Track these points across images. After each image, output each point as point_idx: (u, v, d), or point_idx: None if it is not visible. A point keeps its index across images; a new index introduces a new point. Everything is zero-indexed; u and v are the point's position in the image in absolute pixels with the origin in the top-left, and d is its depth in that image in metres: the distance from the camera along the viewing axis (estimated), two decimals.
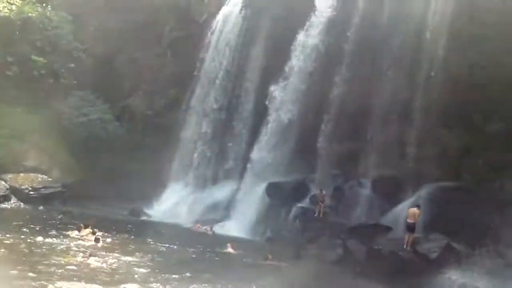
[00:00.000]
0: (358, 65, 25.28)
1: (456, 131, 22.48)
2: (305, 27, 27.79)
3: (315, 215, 22.83)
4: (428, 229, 19.11)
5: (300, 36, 27.79)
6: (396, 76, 24.15)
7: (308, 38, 27.79)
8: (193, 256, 16.78)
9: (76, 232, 16.78)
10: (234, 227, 24.32)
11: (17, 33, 28.59)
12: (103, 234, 16.81)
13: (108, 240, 16.84)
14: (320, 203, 22.79)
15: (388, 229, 20.11)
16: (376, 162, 24.25)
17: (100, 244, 15.50)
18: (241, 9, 31.42)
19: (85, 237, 16.34)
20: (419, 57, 23.35)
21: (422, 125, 22.91)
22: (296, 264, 18.64)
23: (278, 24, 29.12)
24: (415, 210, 18.30)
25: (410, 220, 18.15)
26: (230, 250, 18.72)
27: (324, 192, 23.12)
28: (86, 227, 16.87)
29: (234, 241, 20.92)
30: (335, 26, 26.89)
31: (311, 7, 27.65)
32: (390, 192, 22.43)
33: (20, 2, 29.02)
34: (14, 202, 21.49)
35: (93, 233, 16.54)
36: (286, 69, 27.87)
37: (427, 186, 21.60)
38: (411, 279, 16.64)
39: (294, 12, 28.34)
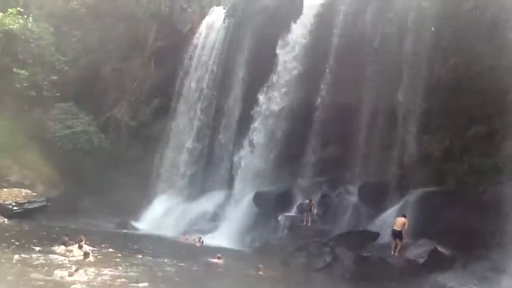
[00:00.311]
0: (341, 71, 25.45)
1: (438, 135, 22.55)
2: (288, 34, 28.00)
3: (303, 224, 22.84)
4: (415, 234, 19.19)
5: (283, 44, 27.96)
6: (379, 80, 24.33)
7: (290, 46, 28.00)
8: (182, 268, 16.57)
9: (62, 247, 16.47)
10: (223, 237, 24.15)
11: None
12: (90, 249, 16.53)
13: (95, 254, 16.59)
14: (308, 212, 22.81)
15: (376, 235, 20.18)
16: (362, 168, 24.42)
17: (88, 259, 15.23)
18: (224, 19, 31.51)
19: (73, 252, 16.07)
20: (400, 59, 23.58)
21: (405, 130, 23.09)
22: (285, 272, 18.65)
23: (261, 33, 29.28)
24: (403, 219, 18.37)
25: (397, 228, 18.21)
26: (216, 260, 18.62)
27: (312, 201, 23.15)
28: (75, 241, 16.59)
29: (223, 251, 20.80)
30: (318, 33, 27.08)
31: (294, 15, 27.88)
32: (377, 198, 22.42)
33: (1, 14, 28.69)
34: None
35: (80, 247, 16.29)
36: (271, 77, 28.02)
37: (413, 192, 21.76)
38: (400, 285, 16.84)
39: (276, 20, 28.52)
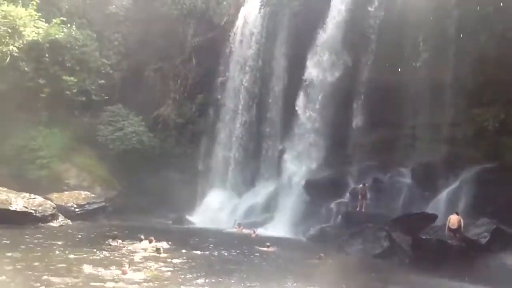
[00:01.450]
0: (384, 50, 24.96)
1: (492, 108, 21.68)
2: (327, 18, 27.61)
3: (357, 209, 22.74)
4: (474, 214, 18.81)
5: (322, 28, 27.61)
6: (424, 56, 23.73)
7: (330, 29, 27.60)
8: (241, 258, 17.07)
9: (141, 243, 17.37)
10: (276, 227, 24.47)
11: (46, 55, 29.20)
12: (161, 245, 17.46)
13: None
14: (361, 197, 22.66)
15: (433, 217, 19.77)
16: (412, 149, 24.03)
17: (161, 255, 16.03)
18: (260, 8, 31.46)
19: (147, 248, 17.04)
20: (448, 33, 22.82)
21: (455, 106, 22.46)
22: (344, 259, 18.70)
23: (298, 18, 29.02)
24: (457, 217, 17.75)
25: (453, 227, 17.66)
26: (266, 249, 19.03)
27: (366, 185, 22.95)
28: (148, 240, 17.60)
29: (278, 241, 21.16)
30: (356, 12, 26.53)
31: None
32: (430, 179, 22.00)
33: (46, 25, 29.71)
34: (61, 220, 21.97)
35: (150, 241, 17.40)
36: (311, 63, 27.80)
37: (468, 170, 21.22)
38: (462, 267, 16.41)
39: (313, 5, 28.18)
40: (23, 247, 15.66)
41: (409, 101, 24.07)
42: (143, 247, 17.03)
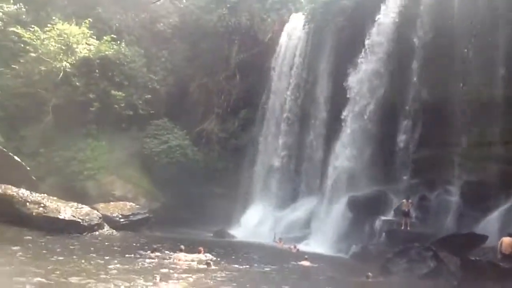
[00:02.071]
0: (431, 67, 24.48)
1: None
2: (371, 32, 27.34)
3: (402, 228, 22.08)
4: None
5: (367, 43, 27.37)
6: (473, 71, 23.07)
7: (375, 44, 27.31)
8: (283, 274, 16.90)
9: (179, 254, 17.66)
10: (318, 243, 24.07)
11: (97, 71, 30.37)
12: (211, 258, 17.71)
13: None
14: (406, 214, 21.99)
15: (483, 238, 18.89)
16: (461, 168, 23.23)
17: (211, 267, 16.26)
18: (304, 25, 31.62)
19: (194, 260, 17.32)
20: (497, 45, 22.08)
21: (507, 123, 21.59)
22: (387, 279, 18.11)
23: (342, 34, 28.95)
24: (510, 240, 16.66)
25: (506, 252, 16.57)
26: (304, 262, 18.89)
27: (410, 201, 22.31)
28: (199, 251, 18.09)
29: (319, 258, 20.87)
30: (403, 29, 26.21)
31: (375, 12, 27.18)
32: (480, 198, 21.13)
33: (97, 42, 30.98)
34: (107, 230, 22.55)
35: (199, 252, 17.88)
36: (355, 78, 27.50)
37: None
38: None
39: (357, 20, 28.04)
40: (65, 253, 16.22)
41: (458, 118, 23.40)
42: (190, 258, 17.21)
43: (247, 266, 17.32)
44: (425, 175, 24.36)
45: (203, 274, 14.97)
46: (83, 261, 15.10)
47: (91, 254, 16.47)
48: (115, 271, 14.04)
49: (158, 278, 12.84)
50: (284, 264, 18.61)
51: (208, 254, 18.15)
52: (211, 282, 14.07)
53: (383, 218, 23.39)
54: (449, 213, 21.92)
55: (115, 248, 18.74)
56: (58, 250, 16.83)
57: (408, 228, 21.86)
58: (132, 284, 12.59)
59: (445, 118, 23.48)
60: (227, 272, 15.88)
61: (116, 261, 15.58)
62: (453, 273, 18.05)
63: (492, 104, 22.10)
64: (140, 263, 15.75)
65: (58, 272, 13.03)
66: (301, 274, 17.70)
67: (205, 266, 16.15)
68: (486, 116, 22.34)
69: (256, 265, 17.89)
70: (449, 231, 20.84)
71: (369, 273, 16.92)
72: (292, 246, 22.69)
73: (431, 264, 18.47)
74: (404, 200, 22.43)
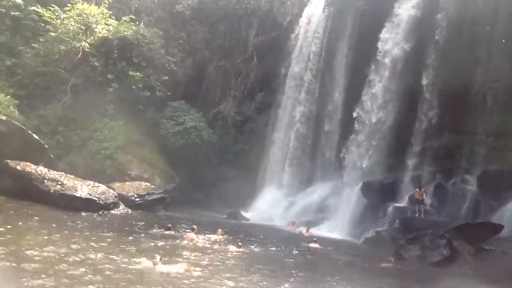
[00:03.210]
0: (452, 51, 24.01)
1: None
2: (392, 18, 26.87)
3: (416, 215, 21.91)
4: None
5: (387, 27, 26.90)
6: (493, 59, 22.54)
7: (395, 28, 26.86)
8: (294, 256, 17.06)
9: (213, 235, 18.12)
10: (331, 228, 24.09)
11: (115, 51, 30.41)
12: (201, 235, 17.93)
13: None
14: (419, 202, 21.79)
15: (499, 227, 18.63)
16: (479, 156, 22.89)
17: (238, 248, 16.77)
18: (324, 8, 31.21)
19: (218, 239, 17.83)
20: None
21: None
22: (399, 265, 18.04)
23: (363, 19, 28.53)
24: None
25: None
26: (313, 244, 19.32)
27: (423, 189, 22.08)
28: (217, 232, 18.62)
29: (333, 242, 20.95)
30: (424, 11, 25.70)
31: None
32: (497, 187, 20.87)
33: (116, 22, 31.01)
34: (122, 209, 22.83)
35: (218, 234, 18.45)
36: (374, 64, 27.17)
37: None
38: None
39: (378, 5, 27.56)
40: (80, 229, 16.61)
41: (478, 106, 22.99)
42: (202, 238, 17.49)
43: (254, 247, 17.49)
44: (442, 163, 24.12)
45: (210, 254, 15.17)
46: (88, 238, 15.33)
47: (99, 232, 16.68)
48: (120, 249, 14.27)
49: (158, 258, 12.74)
50: (291, 246, 18.77)
51: (224, 236, 18.51)
52: (214, 262, 14.20)
53: (397, 205, 23.23)
54: (465, 202, 21.70)
55: (128, 226, 18.96)
56: (71, 225, 17.20)
57: (422, 216, 21.67)
58: (131, 261, 12.76)
59: (464, 106, 23.09)
60: (233, 253, 16.09)
61: (125, 239, 15.86)
62: (466, 262, 17.91)
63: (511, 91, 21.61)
64: (150, 242, 15.98)
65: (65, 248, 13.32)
66: (307, 255, 17.91)
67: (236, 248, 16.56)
68: (506, 104, 21.86)
69: (263, 246, 18.08)
70: (464, 220, 20.63)
71: (391, 258, 17.04)
72: (304, 230, 22.73)
73: (445, 252, 18.33)
74: (417, 189, 22.24)
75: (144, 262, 12.75)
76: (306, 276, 14.16)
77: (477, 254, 17.67)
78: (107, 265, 12.16)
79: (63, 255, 12.56)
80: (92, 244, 14.49)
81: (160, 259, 12.77)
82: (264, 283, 12.53)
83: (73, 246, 13.77)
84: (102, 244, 14.68)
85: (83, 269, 11.47)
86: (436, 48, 24.86)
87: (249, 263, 14.73)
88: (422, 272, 17.43)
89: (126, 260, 12.91)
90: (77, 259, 12.42)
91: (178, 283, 11.53)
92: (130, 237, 16.51)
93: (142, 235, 17.29)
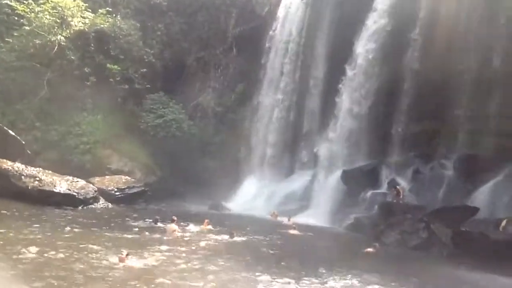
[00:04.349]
0: (432, 39, 24.16)
1: None
2: (372, 6, 26.91)
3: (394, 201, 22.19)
4: None
5: (368, 16, 26.96)
6: (471, 46, 22.77)
7: (376, 17, 26.91)
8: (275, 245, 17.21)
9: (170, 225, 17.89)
10: (312, 216, 24.21)
11: (92, 44, 30.05)
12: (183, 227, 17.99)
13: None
14: (397, 198, 22.00)
15: (475, 210, 19.08)
16: (456, 141, 23.19)
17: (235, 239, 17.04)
18: None
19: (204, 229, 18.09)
20: (497, 14, 21.81)
21: (504, 97, 21.41)
22: (379, 249, 18.30)
23: (342, 7, 28.53)
24: None
25: None
26: (292, 231, 19.75)
27: (398, 187, 22.21)
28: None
29: (314, 230, 21.15)
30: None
31: None
32: (473, 171, 21.25)
33: (92, 15, 30.59)
34: (102, 203, 22.80)
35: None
36: (354, 51, 27.26)
37: None
38: (504, 262, 15.66)
39: None
40: (56, 225, 16.57)
41: (455, 92, 23.23)
42: (183, 230, 17.59)
43: (230, 236, 17.50)
44: (420, 149, 24.43)
45: (185, 245, 15.21)
46: (63, 233, 15.32)
47: (75, 228, 16.56)
48: (94, 244, 14.13)
49: (124, 253, 12.47)
50: (270, 233, 18.95)
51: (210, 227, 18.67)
52: (187, 253, 14.14)
53: (376, 190, 23.50)
54: (442, 186, 22.01)
55: (106, 221, 18.86)
56: (44, 221, 17.06)
57: (401, 202, 21.95)
58: (100, 257, 12.62)
59: (442, 92, 23.30)
60: (209, 242, 16.16)
61: (101, 234, 15.79)
62: (444, 244, 18.27)
63: (489, 78, 21.90)
64: (127, 235, 16.00)
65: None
66: (284, 241, 18.10)
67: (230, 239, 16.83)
68: (483, 90, 22.16)
69: (245, 235, 18.14)
70: (442, 204, 20.98)
71: (376, 244, 17.58)
72: (286, 219, 22.86)
73: (423, 235, 18.76)
74: (393, 188, 22.43)
75: (112, 258, 12.55)
76: (291, 264, 14.20)
77: (454, 236, 18.00)
78: (75, 261, 12.03)
79: (32, 251, 12.48)
80: (65, 239, 14.41)
81: (127, 254, 12.45)
82: (243, 274, 12.47)
83: (45, 242, 13.70)
84: (75, 239, 14.55)
85: (48, 266, 11.38)
86: (416, 36, 24.95)
87: (231, 253, 14.79)
88: (402, 256, 17.76)
89: (96, 255, 12.79)
90: (46, 255, 12.33)
91: (139, 278, 11.21)
92: (107, 232, 16.44)
93: (120, 229, 17.19)
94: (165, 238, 16.40)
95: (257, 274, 12.45)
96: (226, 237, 17.34)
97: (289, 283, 11.99)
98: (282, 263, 14.04)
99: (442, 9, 23.97)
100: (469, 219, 18.59)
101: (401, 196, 21.89)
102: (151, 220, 19.27)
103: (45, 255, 12.41)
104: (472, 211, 19.04)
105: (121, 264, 12.09)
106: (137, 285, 10.65)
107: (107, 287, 10.46)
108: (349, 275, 13.23)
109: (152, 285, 10.76)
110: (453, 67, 23.01)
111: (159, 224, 18.39)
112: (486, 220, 18.26)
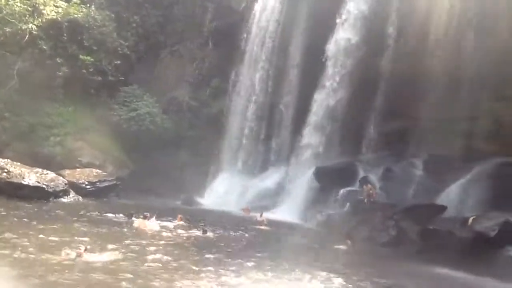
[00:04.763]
0: (404, 40, 24.63)
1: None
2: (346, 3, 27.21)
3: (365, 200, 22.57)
4: (486, 207, 18.55)
5: (344, 10, 27.21)
6: (443, 47, 23.30)
7: (352, 12, 27.22)
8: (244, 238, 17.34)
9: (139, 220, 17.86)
10: (285, 212, 24.46)
11: (65, 34, 29.38)
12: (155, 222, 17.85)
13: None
14: (368, 197, 22.37)
15: (442, 208, 19.62)
16: (427, 142, 23.71)
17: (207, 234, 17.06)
18: None
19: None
20: (465, 23, 22.37)
21: (474, 99, 21.99)
22: (350, 246, 18.58)
23: (318, 3, 28.67)
24: None
25: None
26: (261, 227, 20.10)
27: (369, 186, 22.61)
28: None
29: (286, 226, 21.34)
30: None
31: None
32: (442, 171, 21.83)
33: (66, 4, 29.91)
34: (72, 196, 22.40)
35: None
36: (328, 49, 27.49)
37: (482, 163, 20.90)
38: (469, 259, 16.18)
39: None
40: (22, 218, 16.22)
41: (427, 93, 23.70)
42: (154, 225, 17.41)
43: (199, 231, 17.54)
44: (392, 148, 24.90)
45: (151, 241, 15.13)
46: (27, 227, 14.94)
47: (41, 221, 16.11)
48: (56, 238, 13.78)
49: (82, 248, 12.08)
50: (240, 229, 19.07)
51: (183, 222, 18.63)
52: (154, 249, 13.98)
53: (348, 188, 23.83)
54: (412, 185, 22.50)
55: (75, 215, 18.38)
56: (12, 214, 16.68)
57: (372, 199, 22.32)
58: (59, 252, 12.24)
59: (415, 93, 23.77)
60: (181, 238, 16.17)
61: (67, 228, 15.51)
62: (413, 241, 18.73)
63: (460, 81, 22.40)
64: (95, 230, 15.74)
65: None
66: (254, 237, 18.22)
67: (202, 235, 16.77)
68: (454, 92, 22.67)
69: (216, 230, 18.17)
70: (411, 202, 21.43)
71: (348, 240, 17.88)
72: (258, 215, 22.93)
73: (393, 233, 19.18)
74: (364, 186, 22.75)
75: (70, 253, 12.13)
76: (259, 259, 14.23)
77: (423, 233, 18.46)
78: (33, 257, 11.62)
79: None
80: (29, 234, 14.00)
81: (85, 249, 12.11)
82: (210, 268, 12.48)
83: (6, 235, 13.36)
84: (38, 233, 14.17)
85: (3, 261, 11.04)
86: (391, 35, 25.36)
87: (198, 247, 14.80)
88: (372, 252, 18.10)
89: (56, 251, 12.39)
90: (7, 251, 11.97)
91: (94, 272, 10.85)
92: (76, 225, 16.25)
93: (88, 223, 16.88)
94: (134, 233, 16.21)
95: (223, 269, 12.50)
96: (198, 233, 17.31)
97: (259, 280, 11.97)
98: (252, 259, 14.03)
99: (416, 11, 24.38)
100: (437, 217, 19.07)
101: (374, 195, 22.23)
102: (121, 215, 19.01)
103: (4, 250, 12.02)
104: (440, 209, 19.59)
105: (77, 259, 11.73)
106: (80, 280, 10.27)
107: (50, 280, 10.05)
108: (317, 270, 13.35)
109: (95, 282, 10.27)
110: (424, 68, 23.48)
111: (134, 219, 18.15)
112: (454, 218, 18.82)
